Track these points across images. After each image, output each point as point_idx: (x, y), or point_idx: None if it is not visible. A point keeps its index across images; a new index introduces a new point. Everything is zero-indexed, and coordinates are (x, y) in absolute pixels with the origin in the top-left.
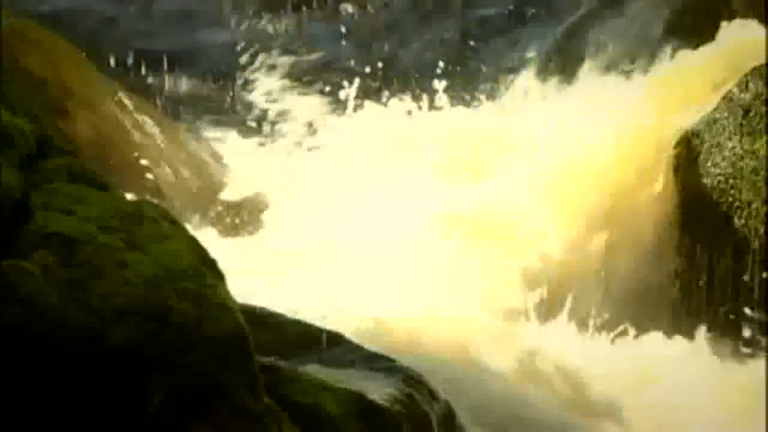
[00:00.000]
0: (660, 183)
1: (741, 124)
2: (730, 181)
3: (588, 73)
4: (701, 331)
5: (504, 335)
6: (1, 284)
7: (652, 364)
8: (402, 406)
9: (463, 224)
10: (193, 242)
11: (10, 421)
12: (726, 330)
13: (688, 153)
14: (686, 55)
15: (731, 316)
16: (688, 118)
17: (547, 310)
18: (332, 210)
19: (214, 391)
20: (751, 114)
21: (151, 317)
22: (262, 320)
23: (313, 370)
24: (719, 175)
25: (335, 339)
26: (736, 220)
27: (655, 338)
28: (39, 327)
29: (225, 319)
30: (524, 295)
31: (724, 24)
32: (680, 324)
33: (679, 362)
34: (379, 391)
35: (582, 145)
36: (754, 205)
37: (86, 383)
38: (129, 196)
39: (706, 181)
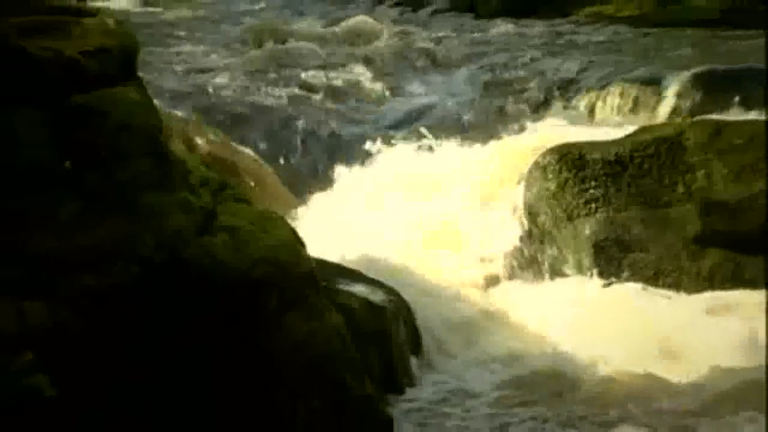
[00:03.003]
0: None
1: (540, 175)
2: (537, 201)
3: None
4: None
5: None
6: (202, 250)
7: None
8: (388, 304)
9: None
10: (292, 228)
11: (200, 325)
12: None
13: (526, 184)
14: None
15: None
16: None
17: None
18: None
19: (300, 297)
20: (547, 170)
21: (272, 264)
22: (320, 263)
23: (345, 286)
24: (532, 197)
25: (353, 272)
26: (541, 216)
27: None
28: (219, 270)
29: (306, 264)
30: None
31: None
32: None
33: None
34: (377, 297)
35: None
36: (548, 213)
37: (241, 298)
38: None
39: (531, 200)
